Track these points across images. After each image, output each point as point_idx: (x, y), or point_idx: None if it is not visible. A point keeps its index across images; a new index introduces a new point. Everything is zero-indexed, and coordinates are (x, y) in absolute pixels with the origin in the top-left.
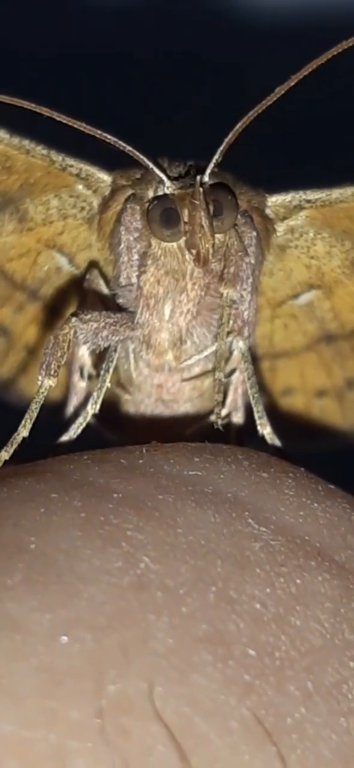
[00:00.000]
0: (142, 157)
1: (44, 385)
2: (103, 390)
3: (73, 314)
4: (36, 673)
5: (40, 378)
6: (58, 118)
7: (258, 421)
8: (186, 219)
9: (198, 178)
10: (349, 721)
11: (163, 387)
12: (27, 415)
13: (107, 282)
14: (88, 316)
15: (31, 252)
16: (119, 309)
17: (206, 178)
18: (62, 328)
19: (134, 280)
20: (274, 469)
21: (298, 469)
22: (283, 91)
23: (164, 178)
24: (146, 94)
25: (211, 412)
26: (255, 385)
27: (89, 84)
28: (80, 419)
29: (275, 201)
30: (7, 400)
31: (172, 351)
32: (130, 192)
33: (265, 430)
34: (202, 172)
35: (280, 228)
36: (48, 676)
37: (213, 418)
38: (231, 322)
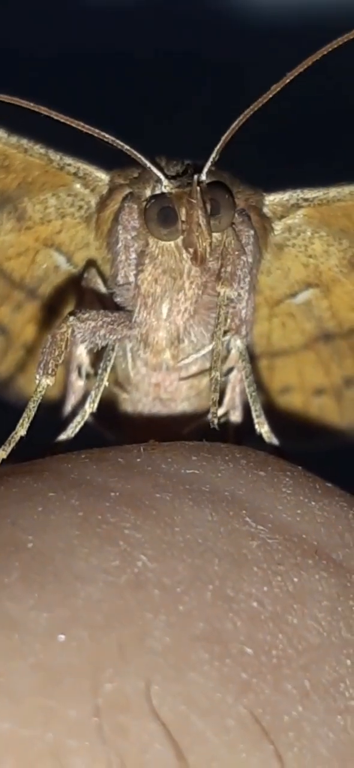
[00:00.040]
0: (139, 155)
1: (42, 384)
2: (101, 389)
3: (71, 313)
4: (33, 671)
5: (37, 377)
6: (56, 118)
7: (256, 420)
8: (183, 218)
9: (195, 176)
10: (347, 719)
11: (161, 386)
12: (25, 414)
13: (105, 281)
14: (86, 315)
15: (30, 251)
16: (117, 308)
17: (203, 177)
18: (60, 326)
19: (132, 278)
20: (272, 467)
21: (295, 468)
22: (279, 89)
23: (162, 176)
24: (146, 94)
25: (208, 411)
26: (253, 384)
27: (89, 84)
28: (78, 418)
29: (273, 199)
30: (6, 398)
31: (169, 350)
32: (127, 191)
33: (263, 428)
34: (200, 171)
35: (278, 226)
36: (45, 674)
37: (209, 417)
38: (228, 320)
